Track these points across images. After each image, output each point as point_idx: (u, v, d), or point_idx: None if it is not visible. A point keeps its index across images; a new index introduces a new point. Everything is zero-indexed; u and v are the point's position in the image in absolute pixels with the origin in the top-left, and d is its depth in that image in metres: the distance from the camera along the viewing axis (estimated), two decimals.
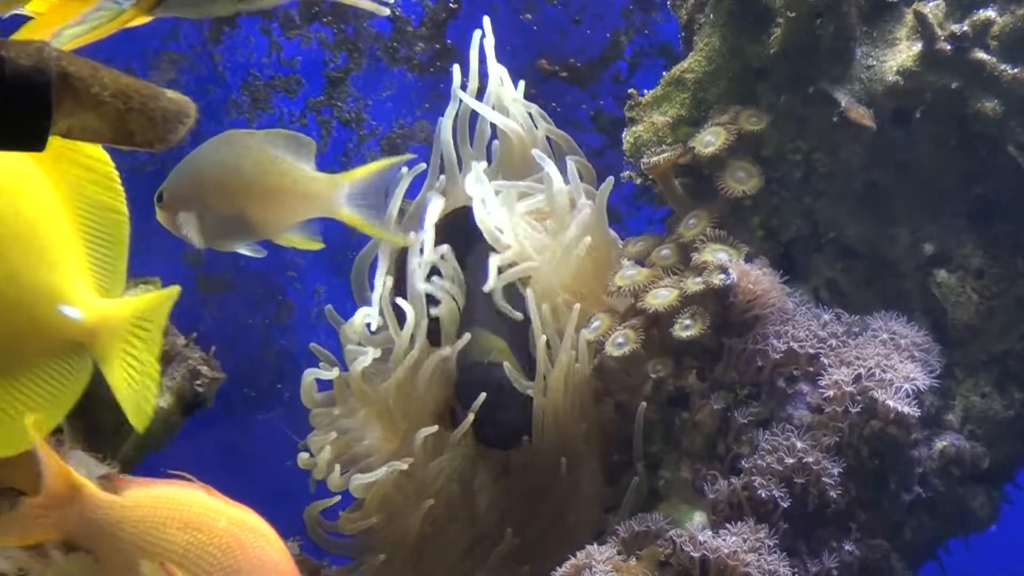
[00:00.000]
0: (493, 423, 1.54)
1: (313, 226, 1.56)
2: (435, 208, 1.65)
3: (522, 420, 1.55)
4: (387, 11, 1.22)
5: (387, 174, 1.58)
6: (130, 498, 1.13)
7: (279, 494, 1.65)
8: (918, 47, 1.56)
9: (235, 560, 1.09)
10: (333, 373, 1.62)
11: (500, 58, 1.75)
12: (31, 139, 0.86)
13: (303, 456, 1.62)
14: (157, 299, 1.24)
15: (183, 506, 1.12)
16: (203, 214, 1.51)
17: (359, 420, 1.63)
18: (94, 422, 1.54)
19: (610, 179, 1.64)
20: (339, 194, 1.53)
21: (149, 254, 2.21)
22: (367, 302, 1.67)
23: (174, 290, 1.26)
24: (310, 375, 1.63)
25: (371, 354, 1.60)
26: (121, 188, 1.24)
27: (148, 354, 1.23)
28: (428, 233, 1.61)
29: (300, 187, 1.51)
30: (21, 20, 1.07)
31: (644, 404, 1.52)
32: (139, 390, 1.22)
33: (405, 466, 1.54)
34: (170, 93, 0.90)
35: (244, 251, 1.54)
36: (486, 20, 1.71)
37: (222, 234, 1.52)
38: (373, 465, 1.60)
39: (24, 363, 1.17)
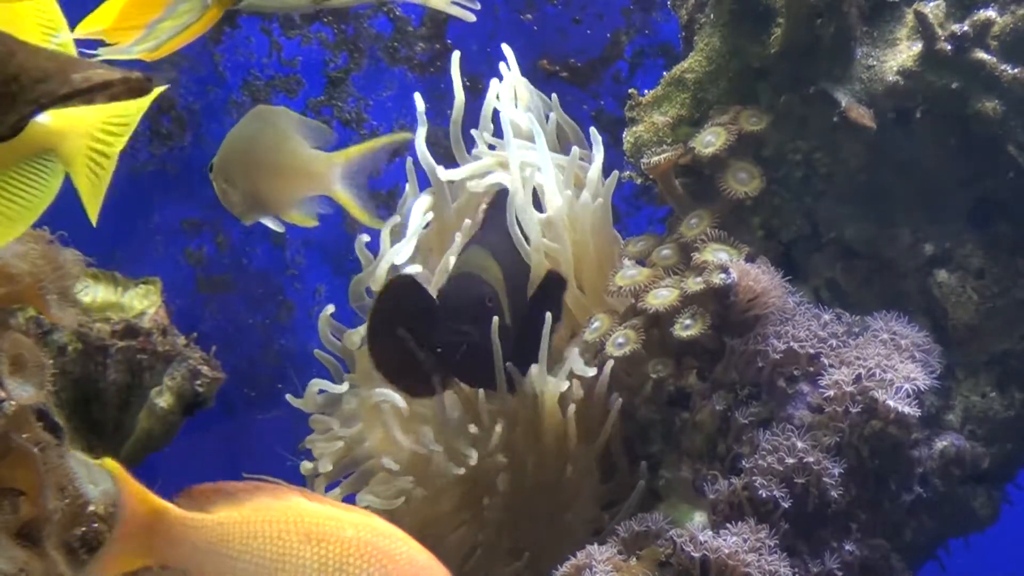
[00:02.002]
0: (470, 343, 1.50)
1: (313, 204, 1.58)
2: (420, 206, 1.66)
3: (500, 343, 1.51)
4: (473, 17, 1.23)
5: (379, 154, 1.59)
6: (223, 514, 1.04)
7: None
8: (918, 47, 1.56)
9: (385, 570, 1.00)
10: (341, 388, 1.62)
11: (500, 58, 1.76)
12: None
13: (305, 464, 1.62)
14: (132, 103, 1.19)
15: (293, 516, 1.03)
16: (233, 186, 1.54)
17: (360, 423, 1.63)
18: (94, 422, 1.55)
19: (615, 174, 1.64)
20: (334, 172, 1.55)
21: (149, 254, 2.22)
22: (366, 312, 1.67)
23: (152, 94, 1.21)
24: (315, 386, 1.63)
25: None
26: None
27: (113, 148, 1.17)
28: (409, 243, 1.62)
29: (299, 164, 1.55)
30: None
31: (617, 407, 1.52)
32: (96, 182, 1.16)
33: (410, 485, 1.54)
34: (84, 72, 0.87)
35: (268, 224, 1.57)
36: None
37: (246, 206, 1.55)
38: (374, 467, 1.61)
39: None
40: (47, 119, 1.10)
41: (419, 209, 1.66)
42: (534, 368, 1.51)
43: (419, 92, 1.73)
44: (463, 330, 1.49)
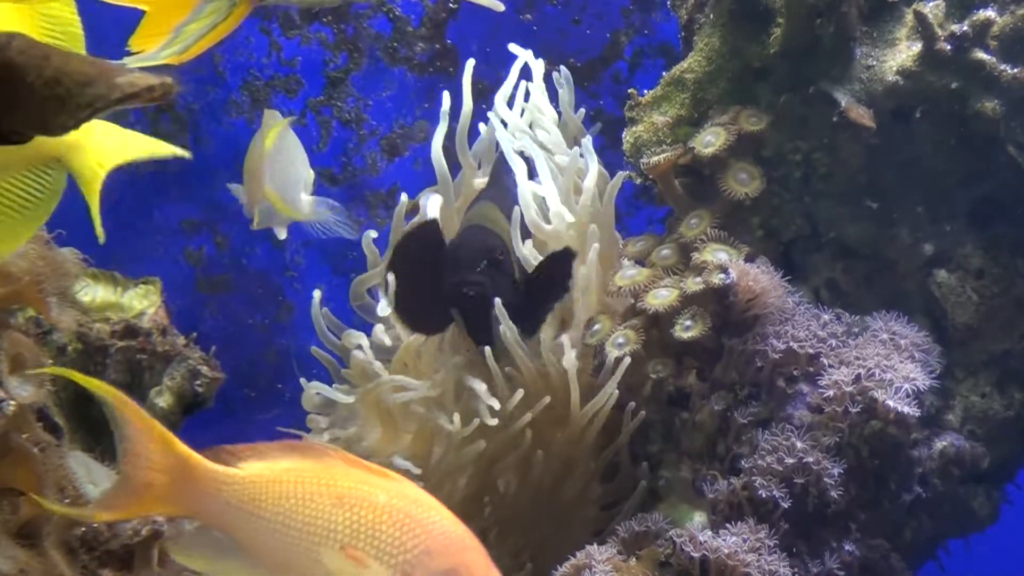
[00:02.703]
0: (480, 293, 1.49)
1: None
2: (435, 202, 1.66)
3: (505, 299, 1.51)
4: (502, 7, 1.22)
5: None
6: (255, 472, 1.00)
7: None
8: (918, 47, 1.56)
9: (417, 539, 0.95)
10: (345, 398, 1.62)
11: (500, 58, 1.75)
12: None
13: None
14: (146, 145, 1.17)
15: (326, 478, 0.98)
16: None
17: (359, 421, 1.63)
18: (94, 422, 1.55)
19: (620, 174, 1.64)
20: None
21: (149, 254, 2.22)
22: (365, 310, 1.67)
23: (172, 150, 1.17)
24: (313, 389, 1.63)
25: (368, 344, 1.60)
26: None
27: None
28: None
29: (252, 167, 1.55)
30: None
31: (633, 405, 1.52)
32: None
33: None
34: (125, 78, 0.87)
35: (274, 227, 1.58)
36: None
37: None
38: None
39: None
40: None
41: (435, 204, 1.66)
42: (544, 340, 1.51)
43: (447, 91, 1.72)
44: (473, 280, 1.50)
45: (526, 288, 1.56)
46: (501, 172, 1.67)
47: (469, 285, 1.50)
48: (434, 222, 1.58)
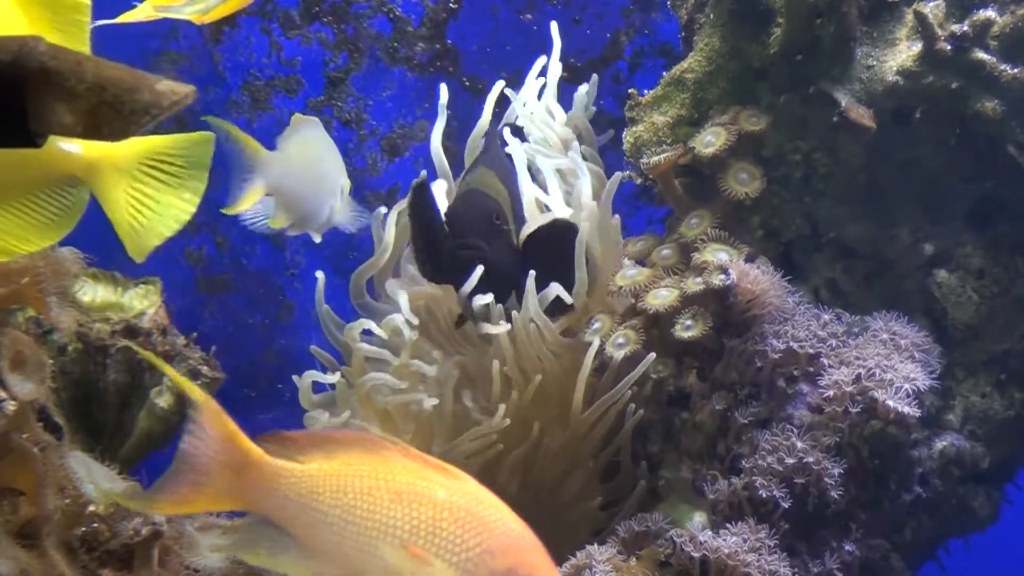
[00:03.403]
0: (479, 258, 1.49)
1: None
2: (439, 187, 1.66)
3: (503, 263, 1.51)
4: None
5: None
6: (314, 465, 0.98)
7: None
8: (918, 47, 1.56)
9: (478, 537, 0.94)
10: (333, 377, 1.62)
11: (500, 58, 1.76)
12: (10, 136, 0.85)
13: None
14: (178, 139, 1.15)
15: (385, 472, 0.97)
16: None
17: (358, 420, 1.63)
18: (94, 422, 1.55)
19: (617, 174, 1.64)
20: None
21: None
22: (365, 309, 1.67)
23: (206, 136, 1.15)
24: (308, 377, 1.62)
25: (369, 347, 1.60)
26: None
27: (168, 192, 1.14)
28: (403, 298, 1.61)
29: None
30: None
31: (636, 409, 1.52)
32: (148, 225, 1.12)
33: None
34: (161, 84, 0.88)
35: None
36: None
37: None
38: None
39: (15, 191, 1.06)
40: (78, 147, 1.10)
41: (440, 190, 1.66)
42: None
43: (445, 85, 1.72)
44: (472, 243, 1.50)
45: (523, 257, 1.55)
46: (494, 140, 1.67)
47: (467, 249, 1.49)
48: (422, 184, 1.57)
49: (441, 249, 1.53)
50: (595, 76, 1.78)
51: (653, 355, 1.49)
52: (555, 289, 1.51)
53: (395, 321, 1.57)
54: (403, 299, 1.58)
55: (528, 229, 1.56)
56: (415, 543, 0.94)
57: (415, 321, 1.57)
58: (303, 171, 1.49)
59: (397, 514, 0.95)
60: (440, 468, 0.97)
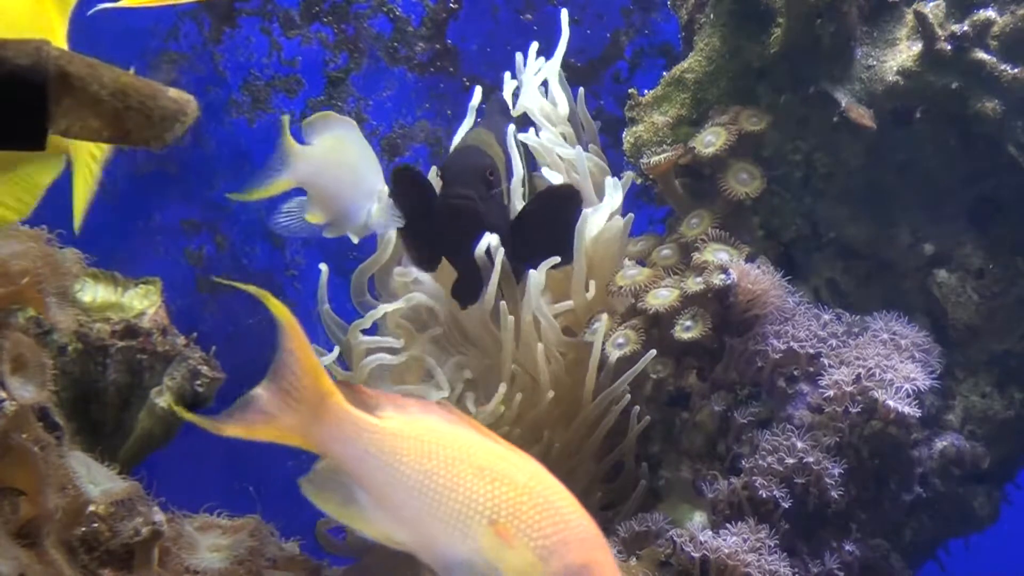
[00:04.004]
0: (469, 210, 1.49)
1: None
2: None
3: (494, 220, 1.50)
4: None
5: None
6: (395, 425, 0.96)
7: (279, 494, 1.65)
8: (918, 47, 1.56)
9: (555, 526, 0.92)
10: (328, 357, 1.61)
11: (500, 58, 1.75)
12: (29, 139, 0.86)
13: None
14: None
15: (466, 445, 0.95)
16: None
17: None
18: (94, 422, 1.55)
19: (628, 174, 1.64)
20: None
21: (149, 254, 2.22)
22: (366, 308, 1.66)
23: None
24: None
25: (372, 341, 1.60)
26: None
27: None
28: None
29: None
30: None
31: (638, 408, 1.51)
32: (87, 184, 1.11)
33: None
34: (171, 91, 0.89)
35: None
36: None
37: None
38: None
39: None
40: None
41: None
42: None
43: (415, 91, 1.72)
44: (463, 194, 1.49)
45: (520, 222, 1.54)
46: (494, 105, 1.67)
47: (457, 198, 1.49)
48: (403, 170, 1.58)
49: (432, 226, 1.52)
50: (581, 89, 1.77)
51: (654, 351, 1.49)
52: (542, 271, 1.51)
53: (416, 298, 1.57)
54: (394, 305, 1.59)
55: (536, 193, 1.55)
56: (497, 522, 0.92)
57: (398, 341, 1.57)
58: (337, 169, 1.47)
59: (480, 490, 0.93)
60: (515, 450, 0.96)
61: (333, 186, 1.47)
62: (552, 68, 1.74)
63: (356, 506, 0.97)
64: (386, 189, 1.52)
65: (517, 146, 1.60)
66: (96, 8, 1.20)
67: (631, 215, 1.62)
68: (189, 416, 1.07)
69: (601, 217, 1.59)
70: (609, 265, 1.61)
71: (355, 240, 1.56)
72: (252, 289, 1.02)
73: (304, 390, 0.97)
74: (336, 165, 1.47)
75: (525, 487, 0.93)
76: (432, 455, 0.95)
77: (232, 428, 1.01)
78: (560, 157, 1.64)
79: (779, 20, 1.59)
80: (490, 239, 1.50)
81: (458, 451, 0.95)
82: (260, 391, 0.99)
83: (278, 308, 1.00)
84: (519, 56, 1.75)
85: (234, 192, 1.50)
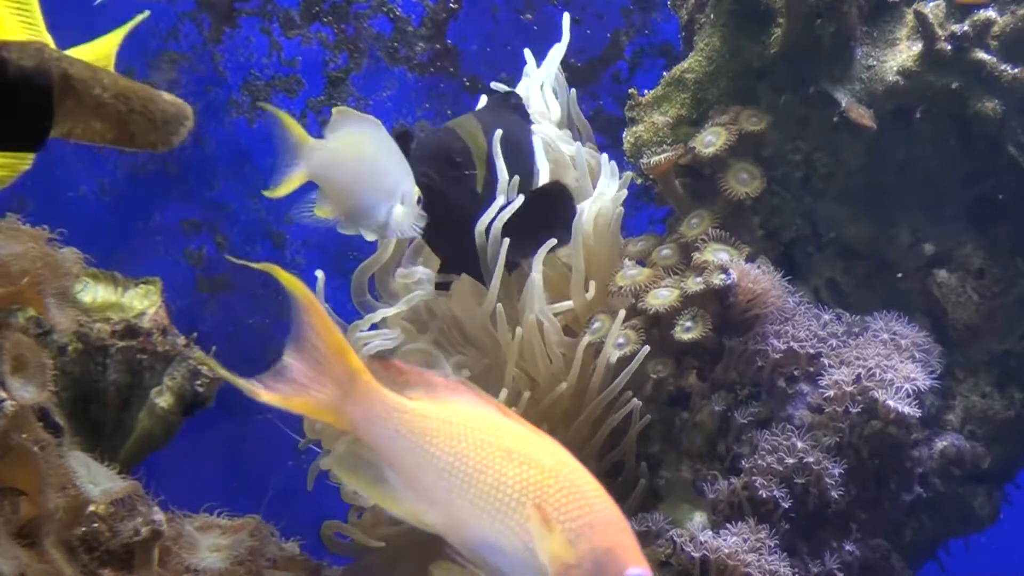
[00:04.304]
0: (430, 187, 1.46)
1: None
2: None
3: (458, 204, 1.49)
4: None
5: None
6: (423, 404, 0.96)
7: (279, 494, 1.66)
8: (918, 47, 1.56)
9: (581, 510, 0.92)
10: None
11: (500, 58, 1.75)
12: (31, 140, 0.86)
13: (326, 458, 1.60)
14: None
15: (493, 427, 0.95)
16: None
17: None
18: (94, 422, 1.55)
19: (628, 174, 1.64)
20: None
21: (149, 254, 2.22)
22: (366, 308, 1.66)
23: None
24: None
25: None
26: None
27: None
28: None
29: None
30: None
31: (639, 405, 1.51)
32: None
33: None
34: (167, 96, 0.90)
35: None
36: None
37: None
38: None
39: None
40: None
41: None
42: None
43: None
44: (422, 171, 1.47)
45: (510, 221, 1.52)
46: (496, 101, 1.65)
47: (418, 175, 1.46)
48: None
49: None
50: (573, 90, 1.77)
51: (647, 348, 1.49)
52: (538, 264, 1.50)
53: (416, 299, 1.57)
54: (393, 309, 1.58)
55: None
56: (525, 504, 0.92)
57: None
58: (351, 164, 1.45)
59: (509, 472, 0.93)
60: (539, 433, 0.96)
61: (346, 181, 1.45)
62: (547, 72, 1.74)
63: (385, 485, 0.97)
64: (414, 191, 1.51)
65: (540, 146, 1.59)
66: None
67: (621, 209, 1.61)
68: (229, 376, 1.06)
69: (596, 206, 1.58)
70: (607, 252, 1.60)
71: (369, 239, 1.55)
72: (264, 266, 1.01)
73: (332, 367, 0.97)
74: (351, 160, 1.45)
75: (552, 470, 0.93)
76: (462, 437, 0.95)
77: (269, 395, 1.01)
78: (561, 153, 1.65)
79: (779, 20, 1.59)
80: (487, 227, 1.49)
81: (486, 433, 0.95)
82: (294, 363, 0.99)
83: (293, 284, 0.99)
84: (528, 54, 1.75)
85: (265, 190, 1.48)
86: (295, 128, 1.42)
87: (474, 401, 0.98)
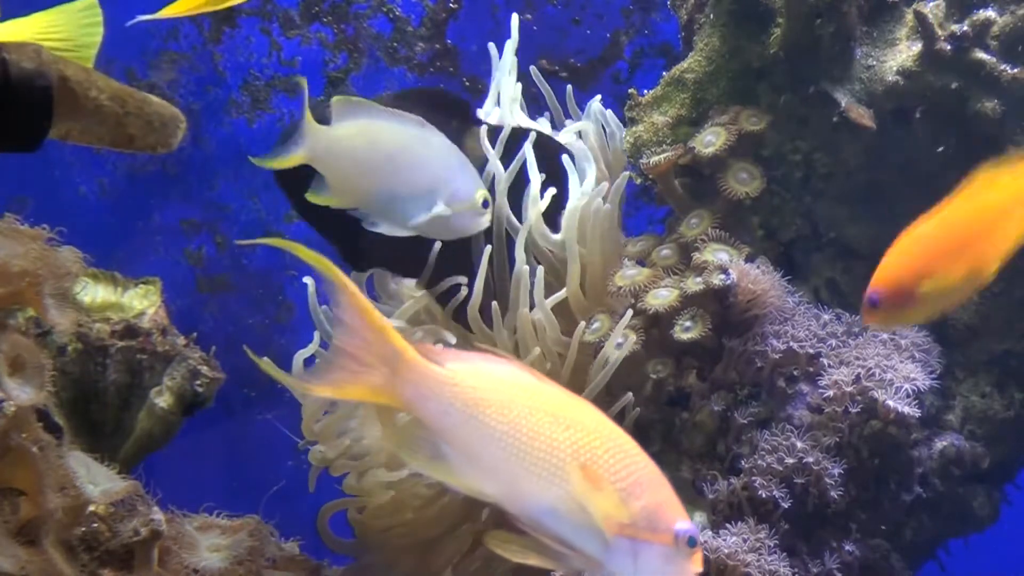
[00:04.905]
0: None
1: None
2: None
3: None
4: None
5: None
6: (471, 377, 0.96)
7: (279, 494, 1.66)
8: (918, 47, 1.56)
9: (628, 469, 0.93)
10: (284, 377, 1.60)
11: (500, 58, 1.75)
12: (29, 141, 0.86)
13: (316, 450, 1.60)
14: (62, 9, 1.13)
15: (536, 392, 0.96)
16: None
17: (358, 419, 1.63)
18: (94, 422, 1.55)
19: (625, 174, 1.64)
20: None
21: (149, 254, 2.22)
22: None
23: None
24: (300, 358, 1.61)
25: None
26: None
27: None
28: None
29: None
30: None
31: (635, 405, 1.51)
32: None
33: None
34: (156, 99, 0.90)
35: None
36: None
37: None
38: (373, 463, 1.60)
39: None
40: None
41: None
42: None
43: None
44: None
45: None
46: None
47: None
48: None
49: None
50: (569, 87, 1.76)
51: (633, 337, 1.48)
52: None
53: (412, 308, 1.57)
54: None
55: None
56: (577, 468, 0.93)
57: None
58: (363, 155, 1.41)
59: (558, 436, 0.94)
60: (574, 396, 0.97)
61: (355, 173, 1.41)
62: (507, 64, 1.70)
63: (443, 461, 0.97)
64: (481, 192, 1.45)
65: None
66: (136, 20, 1.18)
67: (607, 207, 1.60)
68: (278, 374, 1.06)
69: (579, 203, 1.56)
70: (602, 251, 1.60)
71: (397, 234, 1.48)
72: (284, 243, 0.99)
73: (377, 348, 0.96)
74: (362, 151, 1.40)
75: (596, 431, 0.94)
76: (511, 405, 0.95)
77: (322, 389, 0.99)
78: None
79: (779, 20, 1.59)
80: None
81: (532, 399, 0.95)
82: (337, 351, 0.96)
83: (324, 265, 0.96)
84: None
85: (256, 158, 1.45)
86: (307, 110, 1.38)
87: (512, 368, 0.98)
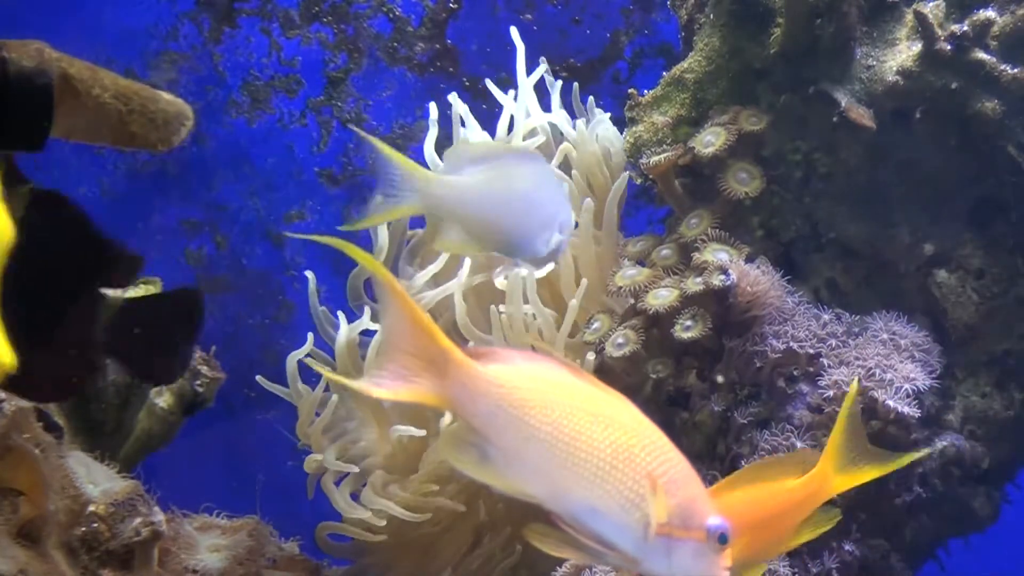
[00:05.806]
0: None
1: None
2: None
3: None
4: None
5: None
6: (513, 376, 0.95)
7: (279, 494, 1.66)
8: (918, 47, 1.56)
9: (664, 467, 0.93)
10: (278, 388, 1.61)
11: (500, 58, 1.75)
12: (31, 139, 0.86)
13: (311, 458, 1.60)
14: None
15: (573, 391, 0.95)
16: None
17: (356, 422, 1.63)
18: (94, 422, 1.55)
19: (625, 175, 1.64)
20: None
21: (149, 254, 2.22)
22: (361, 310, 1.66)
23: None
24: (293, 359, 1.61)
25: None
26: None
27: None
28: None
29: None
30: None
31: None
32: None
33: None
34: (166, 95, 0.90)
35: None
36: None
37: None
38: (371, 465, 1.60)
39: None
40: None
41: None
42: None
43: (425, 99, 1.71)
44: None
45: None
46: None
47: None
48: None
49: None
50: (576, 84, 1.76)
51: (616, 324, 1.48)
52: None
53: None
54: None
55: None
56: (617, 466, 0.93)
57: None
58: (498, 201, 1.37)
59: (598, 435, 0.93)
60: (608, 390, 0.96)
61: (489, 218, 1.36)
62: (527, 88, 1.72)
63: (490, 463, 0.96)
64: (572, 218, 1.44)
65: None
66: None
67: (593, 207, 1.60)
68: (346, 381, 1.05)
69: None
70: (599, 250, 1.60)
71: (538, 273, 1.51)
72: (334, 241, 0.97)
73: (425, 350, 0.95)
74: (499, 196, 1.36)
75: (634, 430, 0.94)
76: (554, 406, 0.95)
77: (379, 391, 0.97)
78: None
79: (779, 20, 1.59)
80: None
81: (573, 398, 0.95)
82: (387, 353, 0.96)
83: (372, 264, 0.96)
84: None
85: (353, 222, 1.42)
86: (403, 160, 1.32)
87: (551, 365, 0.97)
